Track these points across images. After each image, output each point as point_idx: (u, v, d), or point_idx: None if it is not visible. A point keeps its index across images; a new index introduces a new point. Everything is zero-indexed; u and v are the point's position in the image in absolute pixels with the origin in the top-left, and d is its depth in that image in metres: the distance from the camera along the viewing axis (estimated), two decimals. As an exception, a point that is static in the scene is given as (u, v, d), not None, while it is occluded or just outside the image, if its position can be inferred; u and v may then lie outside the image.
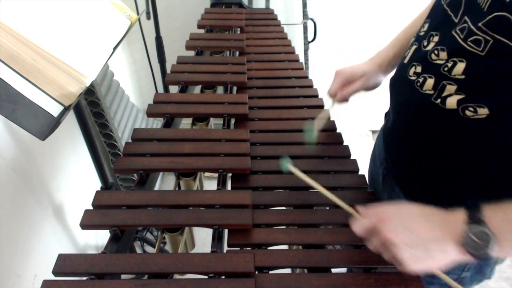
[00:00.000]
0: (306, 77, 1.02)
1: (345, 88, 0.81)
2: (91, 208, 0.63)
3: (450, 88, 0.54)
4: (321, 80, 1.26)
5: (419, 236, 0.48)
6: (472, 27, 0.51)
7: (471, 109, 0.53)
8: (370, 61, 0.83)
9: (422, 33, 0.62)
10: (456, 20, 0.54)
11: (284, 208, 0.68)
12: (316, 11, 1.75)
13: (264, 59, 1.11)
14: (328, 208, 0.67)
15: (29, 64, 0.67)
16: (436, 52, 0.57)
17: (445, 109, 0.55)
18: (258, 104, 0.91)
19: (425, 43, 0.60)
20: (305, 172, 0.73)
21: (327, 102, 0.91)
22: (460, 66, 0.53)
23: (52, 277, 0.52)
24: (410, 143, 0.66)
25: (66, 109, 0.70)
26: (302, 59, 1.51)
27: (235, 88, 0.99)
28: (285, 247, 0.61)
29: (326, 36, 1.79)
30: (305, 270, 0.59)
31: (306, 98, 0.94)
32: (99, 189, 1.24)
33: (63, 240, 1.22)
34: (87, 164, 1.28)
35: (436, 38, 0.58)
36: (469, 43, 0.51)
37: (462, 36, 0.52)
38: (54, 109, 0.69)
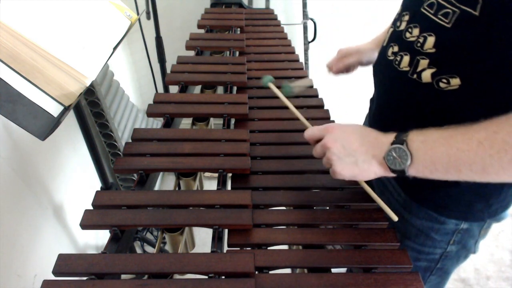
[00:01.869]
0: (306, 77, 1.02)
1: (341, 60, 0.94)
2: (91, 208, 0.63)
3: (423, 63, 0.58)
4: (321, 80, 1.27)
5: (351, 147, 0.56)
6: (440, 0, 0.55)
7: (444, 80, 0.56)
8: (371, 41, 0.94)
9: (396, 16, 0.67)
10: None
11: (284, 208, 0.68)
12: (316, 11, 1.75)
13: (264, 59, 1.11)
14: (328, 208, 0.67)
15: (29, 64, 0.67)
16: (410, 30, 0.61)
17: (421, 84, 0.59)
18: (258, 104, 0.91)
19: (398, 24, 0.65)
20: (304, 172, 0.73)
21: (325, 100, 0.92)
22: (430, 40, 0.57)
23: (52, 277, 0.52)
24: (394, 121, 0.69)
25: (66, 109, 0.70)
26: (302, 59, 1.51)
27: (235, 88, 0.99)
28: (285, 247, 0.61)
29: (326, 36, 1.79)
30: (305, 270, 0.59)
31: (306, 98, 0.94)
32: (99, 189, 1.23)
33: (63, 240, 1.22)
34: (87, 164, 1.28)
35: (406, 17, 0.63)
36: (439, 16, 0.55)
37: (432, 11, 0.56)
38: (54, 109, 0.69)
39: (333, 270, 0.57)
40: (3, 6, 0.66)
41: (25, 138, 0.98)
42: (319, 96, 0.95)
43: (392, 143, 0.53)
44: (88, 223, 0.60)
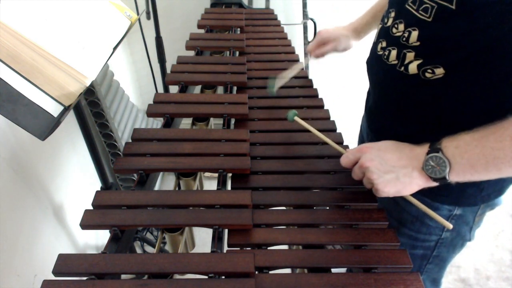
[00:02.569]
0: (306, 77, 1.02)
1: (320, 47, 1.00)
2: (91, 208, 0.63)
3: (410, 55, 0.62)
4: (321, 80, 1.27)
5: (390, 163, 0.58)
6: None
7: (429, 71, 0.60)
8: (348, 26, 0.99)
9: (384, 13, 0.70)
10: None
11: (284, 208, 0.68)
12: (316, 11, 1.75)
13: (264, 59, 1.11)
14: (328, 208, 0.67)
15: (29, 64, 0.67)
16: (396, 26, 0.65)
17: (408, 75, 0.62)
18: (258, 104, 0.91)
19: (386, 20, 0.68)
20: (304, 172, 0.73)
21: (327, 101, 0.92)
22: (414, 34, 0.60)
23: (52, 277, 0.52)
24: (389, 113, 0.73)
25: (66, 109, 0.70)
26: (302, 59, 1.51)
27: (235, 88, 0.99)
28: (285, 247, 0.61)
29: (326, 36, 1.79)
30: (305, 270, 0.59)
31: (306, 98, 0.94)
32: (99, 189, 1.23)
33: (63, 240, 1.22)
34: (87, 164, 1.28)
35: (392, 14, 0.66)
36: (420, 12, 0.59)
37: (415, 7, 0.60)
38: (54, 109, 0.69)
39: (333, 270, 0.57)
40: (3, 6, 0.66)
41: (25, 138, 0.98)
42: (319, 96, 0.95)
43: (428, 153, 0.55)
44: (88, 223, 0.60)
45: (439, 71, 0.58)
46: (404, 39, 0.62)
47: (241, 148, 0.75)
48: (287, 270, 0.62)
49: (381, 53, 0.69)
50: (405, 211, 0.76)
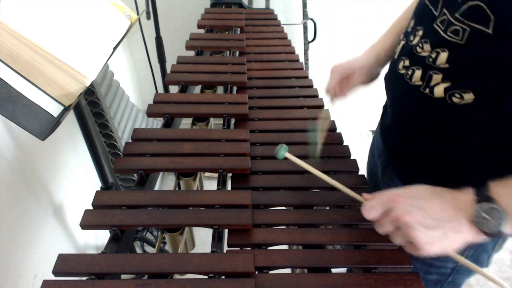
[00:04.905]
0: (306, 77, 1.02)
1: (343, 84, 0.79)
2: (91, 208, 0.63)
3: (437, 78, 0.57)
4: (321, 80, 1.26)
5: (434, 216, 0.47)
6: (451, 18, 0.54)
7: (457, 95, 0.55)
8: (365, 54, 0.80)
9: (409, 30, 0.65)
10: (437, 14, 0.57)
11: (284, 208, 0.68)
12: (316, 11, 1.75)
13: (264, 59, 1.11)
14: (328, 208, 0.67)
15: (29, 64, 0.67)
16: (420, 45, 0.60)
17: (433, 98, 0.58)
18: (258, 104, 0.91)
19: (411, 38, 0.63)
20: (305, 172, 0.73)
21: (326, 100, 0.91)
22: (443, 56, 0.55)
23: (52, 277, 0.52)
24: (407, 134, 0.68)
25: (66, 109, 0.70)
26: (302, 59, 1.51)
27: (235, 88, 0.99)
28: (285, 247, 0.61)
29: (326, 36, 1.79)
30: (305, 270, 0.59)
31: (306, 98, 0.94)
32: (99, 189, 1.23)
33: (63, 240, 1.22)
34: (87, 164, 1.28)
35: (420, 32, 0.61)
36: (449, 33, 0.54)
37: (442, 28, 0.55)
38: (54, 109, 0.69)
39: (333, 270, 0.57)
40: (3, 6, 0.66)
41: (25, 138, 0.98)
42: (319, 96, 0.95)
43: (477, 201, 0.47)
44: (88, 223, 0.60)
45: (468, 97, 0.54)
46: (431, 59, 0.58)
47: (241, 148, 0.75)
48: (287, 270, 0.62)
49: (403, 72, 0.63)
50: None
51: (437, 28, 0.57)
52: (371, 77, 0.80)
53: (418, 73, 0.60)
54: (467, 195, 0.48)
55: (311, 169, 0.61)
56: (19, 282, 0.96)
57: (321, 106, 0.91)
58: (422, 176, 0.66)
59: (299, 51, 1.42)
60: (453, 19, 0.53)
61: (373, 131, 2.33)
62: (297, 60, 1.11)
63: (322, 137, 0.75)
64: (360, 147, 2.26)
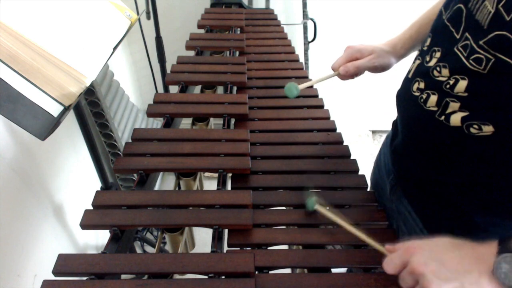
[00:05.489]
0: (306, 77, 1.02)
1: (350, 62, 0.77)
2: (91, 208, 0.63)
3: (454, 105, 0.54)
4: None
5: (451, 268, 0.46)
6: (474, 45, 0.50)
7: (475, 126, 0.52)
8: (383, 44, 0.79)
9: (425, 48, 0.61)
10: (458, 37, 0.53)
11: (284, 208, 0.68)
12: (316, 11, 1.75)
13: (264, 59, 1.11)
14: (328, 208, 0.67)
15: (29, 64, 0.67)
16: (438, 68, 0.56)
17: (449, 126, 0.54)
18: (258, 104, 0.91)
19: (428, 59, 0.59)
20: (304, 172, 0.73)
21: (326, 100, 0.91)
22: (462, 84, 0.52)
23: (52, 277, 0.52)
24: (418, 158, 0.65)
25: (66, 109, 0.70)
26: (302, 59, 1.51)
27: (235, 88, 0.99)
28: (285, 247, 0.61)
29: (326, 36, 1.79)
30: (305, 270, 0.59)
31: (306, 98, 0.94)
32: (99, 189, 1.23)
33: (63, 240, 1.22)
34: (87, 164, 1.28)
35: (438, 54, 0.57)
36: (471, 61, 0.50)
37: (465, 54, 0.51)
38: (54, 109, 0.69)
39: (333, 270, 0.57)
40: (3, 6, 0.66)
41: (25, 138, 0.98)
42: (319, 96, 0.95)
43: (499, 252, 0.44)
44: (88, 223, 0.60)
45: (488, 129, 0.51)
46: (448, 86, 0.54)
47: (241, 148, 0.75)
48: (287, 270, 0.62)
49: (417, 94, 0.60)
50: None
51: (458, 53, 0.53)
52: (380, 66, 0.78)
53: (433, 98, 0.56)
54: (489, 247, 0.46)
55: (340, 222, 0.60)
56: (19, 282, 0.96)
57: (321, 106, 0.91)
58: (433, 206, 0.65)
59: (299, 51, 1.42)
60: (477, 46, 0.49)
61: (373, 131, 2.33)
62: (297, 60, 1.11)
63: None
64: (360, 147, 2.27)
